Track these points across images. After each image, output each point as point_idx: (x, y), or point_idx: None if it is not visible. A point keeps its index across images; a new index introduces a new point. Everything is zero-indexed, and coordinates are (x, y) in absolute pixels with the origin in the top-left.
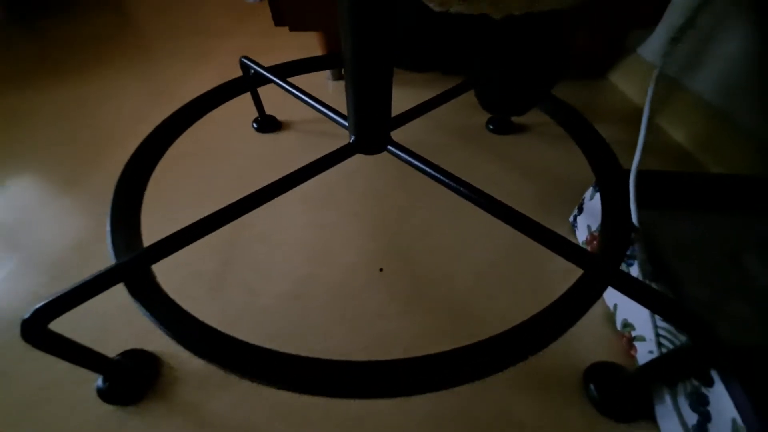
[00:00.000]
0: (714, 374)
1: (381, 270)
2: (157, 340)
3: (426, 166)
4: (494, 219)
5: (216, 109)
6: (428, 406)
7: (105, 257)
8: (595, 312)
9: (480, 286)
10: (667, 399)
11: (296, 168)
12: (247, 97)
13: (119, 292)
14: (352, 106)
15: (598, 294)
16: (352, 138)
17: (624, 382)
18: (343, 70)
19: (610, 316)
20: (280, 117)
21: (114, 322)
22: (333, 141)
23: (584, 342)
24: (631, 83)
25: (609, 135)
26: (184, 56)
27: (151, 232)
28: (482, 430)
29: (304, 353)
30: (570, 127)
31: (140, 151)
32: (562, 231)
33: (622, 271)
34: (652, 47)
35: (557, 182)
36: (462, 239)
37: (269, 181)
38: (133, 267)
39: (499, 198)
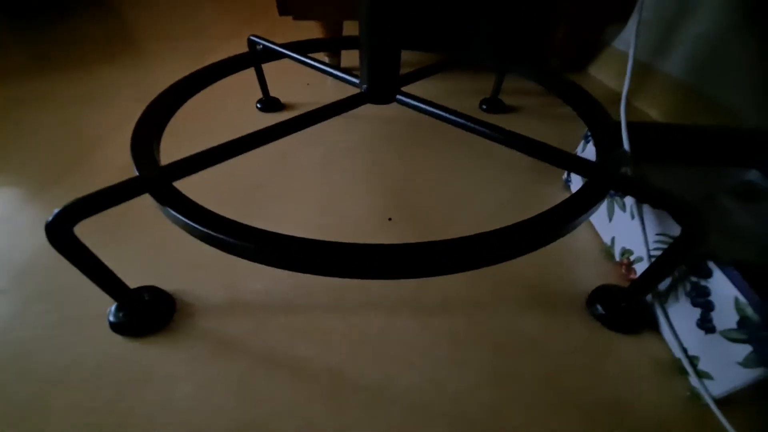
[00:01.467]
0: (711, 265)
1: (390, 219)
2: (174, 281)
3: (434, 108)
4: (493, 176)
5: (220, 91)
6: (443, 323)
7: None
8: (592, 250)
9: (485, 228)
10: (667, 301)
11: (300, 154)
12: (251, 80)
13: (135, 234)
14: (365, 54)
15: (603, 195)
16: (364, 87)
17: (626, 296)
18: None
19: (608, 250)
20: (282, 100)
21: (132, 264)
22: (338, 121)
23: (586, 273)
24: (609, 72)
25: None
26: (180, 57)
27: None
28: (497, 344)
29: None
30: (560, 90)
31: (156, 103)
32: (556, 188)
33: (623, 174)
34: (626, 38)
35: None
36: (464, 194)
37: (275, 161)
38: (157, 179)
39: (495, 166)
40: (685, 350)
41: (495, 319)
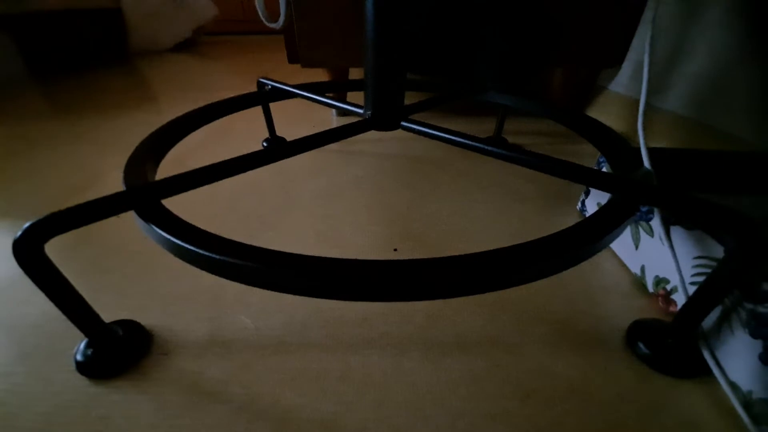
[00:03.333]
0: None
1: (395, 250)
2: (153, 314)
3: (441, 132)
4: (502, 207)
5: (227, 132)
6: (460, 366)
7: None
8: (621, 283)
9: None
10: (723, 337)
11: (301, 187)
12: (258, 121)
13: (118, 261)
14: (370, 80)
15: (634, 210)
16: (368, 114)
17: (671, 332)
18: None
19: (639, 281)
20: (289, 139)
21: (111, 293)
22: (340, 156)
23: (618, 307)
24: (607, 114)
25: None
26: (191, 103)
27: None
28: (528, 390)
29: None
30: (574, 124)
31: (155, 134)
32: (571, 218)
33: (654, 186)
34: (621, 81)
35: (556, 183)
36: (471, 225)
37: (275, 193)
38: (143, 196)
39: (505, 196)
40: (746, 396)
41: (521, 360)
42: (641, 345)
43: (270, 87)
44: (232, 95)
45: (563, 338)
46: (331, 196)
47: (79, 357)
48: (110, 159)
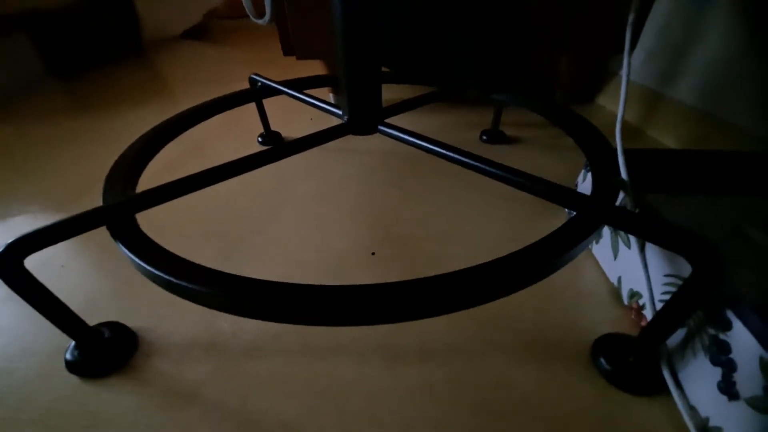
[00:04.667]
0: (730, 315)
1: (373, 254)
2: (138, 317)
3: (419, 139)
4: (485, 210)
5: (222, 128)
6: (418, 375)
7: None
8: (598, 291)
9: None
10: (685, 359)
11: (292, 187)
12: (252, 117)
13: (112, 272)
14: (345, 84)
15: (593, 229)
16: (346, 118)
17: (635, 346)
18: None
19: (616, 291)
20: (284, 134)
21: (99, 294)
22: (334, 154)
23: (590, 318)
24: (616, 102)
25: None
26: (205, 96)
27: (151, 229)
28: (480, 402)
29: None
30: (558, 119)
31: (151, 133)
32: (559, 218)
33: (614, 206)
34: (633, 68)
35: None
36: (455, 228)
37: (270, 187)
38: (117, 211)
39: (493, 193)
40: (704, 422)
41: (480, 370)
42: (603, 360)
43: (260, 84)
44: (245, 85)
45: (527, 349)
46: (319, 198)
47: (68, 356)
48: None
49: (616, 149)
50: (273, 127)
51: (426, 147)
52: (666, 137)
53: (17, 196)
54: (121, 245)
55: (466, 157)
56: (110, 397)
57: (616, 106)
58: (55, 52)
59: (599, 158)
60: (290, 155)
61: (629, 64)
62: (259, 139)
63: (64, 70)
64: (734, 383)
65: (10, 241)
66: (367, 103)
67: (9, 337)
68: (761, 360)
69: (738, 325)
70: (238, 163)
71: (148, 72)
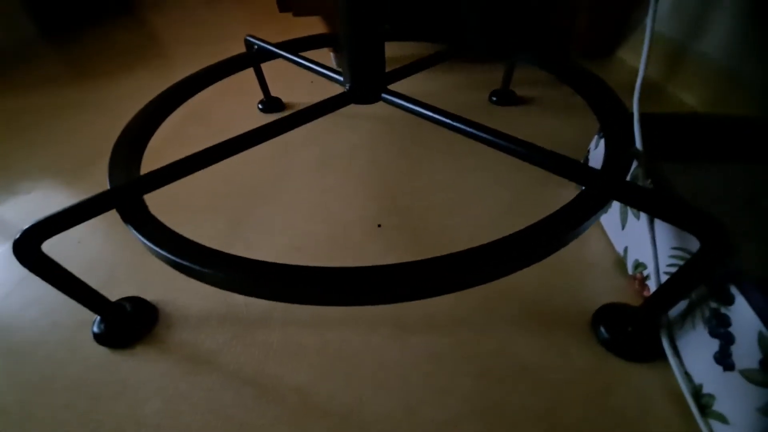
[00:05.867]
0: (733, 290)
1: (379, 226)
2: (157, 290)
3: (422, 108)
4: (493, 179)
5: (222, 95)
6: (424, 344)
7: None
8: (604, 259)
9: (479, 238)
10: (683, 329)
11: (297, 157)
12: (253, 81)
13: (128, 245)
14: (347, 53)
15: (601, 204)
16: (348, 86)
17: (635, 317)
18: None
19: (621, 261)
20: (285, 99)
21: (120, 275)
22: (337, 119)
23: (594, 288)
24: (639, 56)
25: None
26: (201, 59)
27: (158, 203)
28: (483, 369)
29: None
30: (571, 79)
31: (150, 106)
32: (568, 188)
33: (624, 181)
34: (658, 16)
35: (561, 146)
36: (461, 199)
37: (273, 156)
38: (125, 193)
39: (501, 162)
40: (697, 388)
41: (483, 340)
42: (602, 329)
43: (257, 47)
44: (241, 45)
45: (530, 318)
46: (325, 167)
47: (95, 329)
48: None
49: (631, 116)
50: (273, 92)
51: (431, 116)
52: (687, 94)
53: (25, 170)
54: (132, 229)
55: (472, 128)
56: (137, 365)
57: (638, 60)
58: (47, 12)
59: (613, 125)
60: (291, 129)
61: (655, 14)
62: (260, 106)
63: (56, 31)
64: (730, 355)
65: (25, 227)
66: (370, 71)
67: (38, 311)
68: (760, 335)
69: (740, 300)
70: (240, 139)
71: (142, 32)
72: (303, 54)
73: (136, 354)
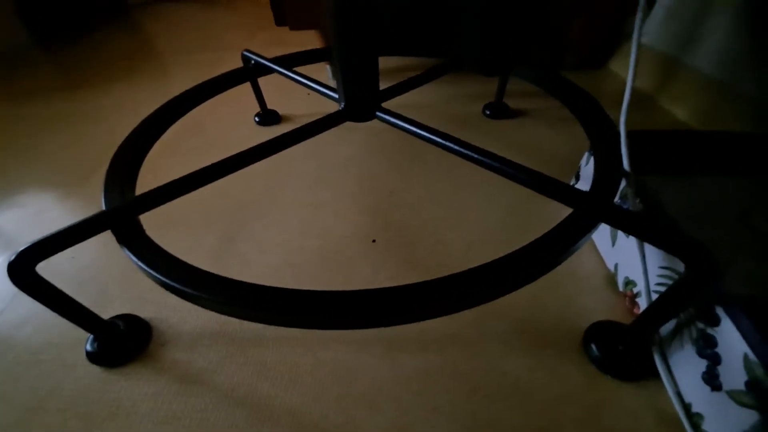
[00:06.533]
0: (719, 312)
1: (374, 241)
2: (150, 308)
3: (416, 127)
4: (487, 194)
5: (219, 107)
6: (416, 362)
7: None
8: (595, 275)
9: (472, 254)
10: (671, 349)
11: (292, 170)
12: (249, 95)
13: (121, 260)
14: (340, 71)
15: (589, 227)
16: (342, 105)
17: (625, 336)
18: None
19: (612, 278)
20: (281, 112)
21: (114, 292)
22: (331, 130)
23: (584, 305)
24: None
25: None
26: (197, 68)
27: (153, 217)
28: (473, 387)
29: None
30: (562, 96)
31: (144, 124)
32: (559, 206)
33: (613, 204)
34: (649, 30)
35: (554, 160)
36: (455, 213)
37: (268, 169)
38: (120, 215)
39: (494, 179)
40: (687, 407)
41: (474, 358)
42: (593, 347)
43: (254, 62)
44: (234, 54)
45: (521, 336)
46: (319, 181)
47: (88, 348)
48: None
49: (619, 134)
50: (269, 104)
51: (423, 135)
52: (678, 107)
53: (20, 182)
54: (127, 251)
55: (463, 148)
56: (130, 385)
57: (626, 72)
58: (40, 17)
59: (602, 145)
60: (287, 147)
61: (640, 30)
62: (256, 119)
63: (50, 37)
64: (718, 375)
65: (20, 249)
66: (364, 90)
67: (32, 329)
68: (746, 357)
69: (726, 322)
70: (233, 159)
71: (136, 39)
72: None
73: (130, 373)
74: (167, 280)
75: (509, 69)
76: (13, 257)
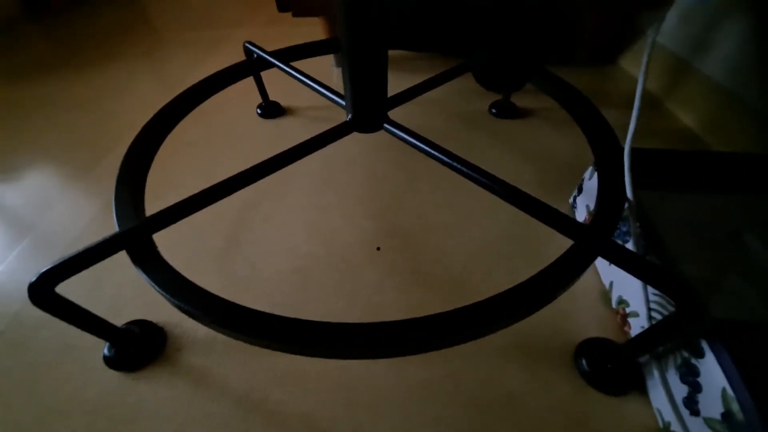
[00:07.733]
0: (704, 345)
1: (378, 249)
2: (164, 312)
3: (422, 143)
4: (491, 200)
5: (221, 99)
6: (420, 373)
7: None
8: (590, 290)
9: (475, 263)
10: (656, 372)
11: (296, 171)
12: (252, 85)
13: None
14: (348, 82)
15: (587, 263)
16: (349, 116)
17: (614, 355)
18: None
19: (606, 294)
20: (283, 103)
21: (127, 295)
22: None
23: (579, 319)
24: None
25: (619, 120)
26: (196, 47)
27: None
28: (472, 398)
29: None
30: (571, 107)
31: (146, 131)
32: (562, 209)
33: (611, 240)
34: (664, 29)
35: (559, 166)
36: (459, 219)
37: (272, 178)
38: (135, 235)
39: None
40: (666, 425)
41: (474, 370)
42: (583, 362)
43: (256, 56)
44: (244, 32)
45: (518, 349)
46: (324, 182)
47: (106, 352)
48: (131, 109)
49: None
50: (272, 95)
51: (427, 151)
52: (684, 112)
53: (14, 168)
54: (142, 272)
55: (468, 168)
56: (148, 389)
57: (638, 71)
58: None
59: (608, 171)
60: (295, 161)
61: (656, 35)
62: (258, 111)
63: (43, 9)
64: (697, 402)
65: (40, 272)
66: (373, 101)
67: (52, 331)
68: (723, 391)
69: (709, 356)
70: (240, 177)
71: (132, 15)
72: (305, 59)
73: (148, 377)
74: (181, 304)
75: (511, 90)
76: (34, 280)
